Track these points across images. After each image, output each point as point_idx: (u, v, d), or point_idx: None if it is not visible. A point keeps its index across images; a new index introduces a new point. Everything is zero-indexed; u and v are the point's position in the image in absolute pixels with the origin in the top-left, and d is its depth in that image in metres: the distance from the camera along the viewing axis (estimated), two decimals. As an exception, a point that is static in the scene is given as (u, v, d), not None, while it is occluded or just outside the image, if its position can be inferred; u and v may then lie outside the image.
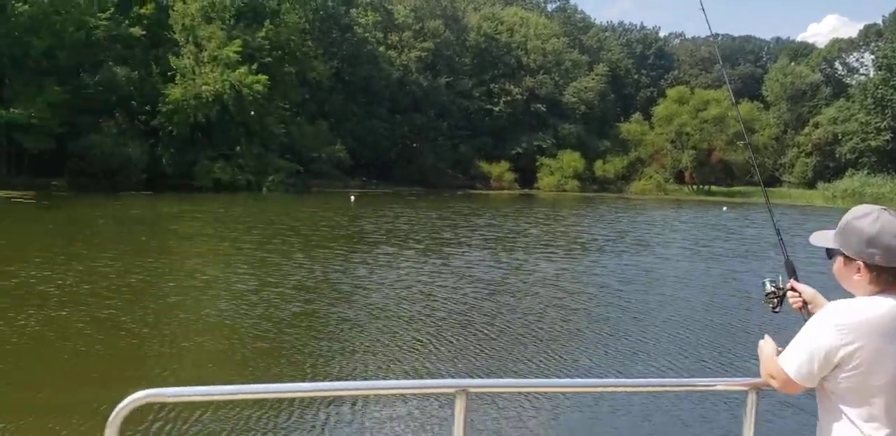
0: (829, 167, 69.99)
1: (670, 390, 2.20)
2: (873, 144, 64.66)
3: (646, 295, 13.96)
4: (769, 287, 2.55)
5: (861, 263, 2.07)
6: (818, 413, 2.19)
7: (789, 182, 73.27)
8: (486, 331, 10.30)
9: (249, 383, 2.11)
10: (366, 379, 7.56)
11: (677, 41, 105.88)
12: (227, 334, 9.60)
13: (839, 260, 2.15)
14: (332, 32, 60.66)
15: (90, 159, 40.26)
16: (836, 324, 2.03)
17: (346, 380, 7.45)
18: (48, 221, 23.81)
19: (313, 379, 7.57)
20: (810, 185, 66.84)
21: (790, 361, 2.14)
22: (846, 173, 61.71)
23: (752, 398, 2.42)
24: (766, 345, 2.33)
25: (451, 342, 9.56)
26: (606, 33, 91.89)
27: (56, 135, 39.74)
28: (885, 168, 62.31)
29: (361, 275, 14.71)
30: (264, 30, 47.58)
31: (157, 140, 44.82)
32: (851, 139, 66.82)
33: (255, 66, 45.12)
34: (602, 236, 25.64)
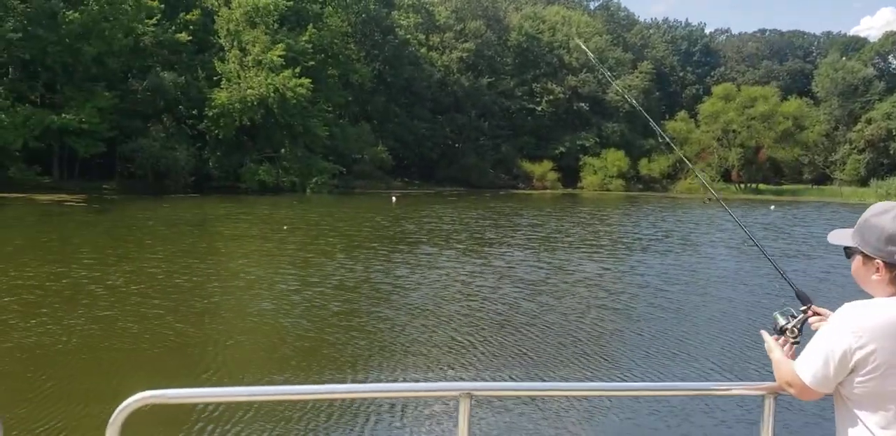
0: (882, 164, 68.06)
1: (685, 393, 2.12)
2: (930, 139, 62.68)
3: (690, 295, 13.74)
4: (781, 321, 2.34)
5: (880, 262, 1.99)
6: (835, 419, 2.12)
7: (841, 180, 71.41)
8: (524, 331, 10.24)
9: (251, 385, 2.09)
10: (393, 381, 7.55)
11: (723, 37, 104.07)
12: (268, 333, 9.74)
13: (857, 259, 2.07)
14: (374, 35, 61.13)
15: (139, 163, 41.31)
16: (852, 327, 1.95)
17: (359, 382, 7.47)
18: (99, 224, 24.43)
19: (353, 379, 7.62)
20: (863, 182, 65.08)
21: (806, 367, 2.06)
22: (901, 170, 59.91)
23: (769, 403, 2.37)
24: (774, 348, 2.25)
25: (491, 342, 9.53)
26: (651, 31, 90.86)
27: (106, 139, 40.83)
28: (943, 164, 60.38)
29: (402, 275, 14.76)
30: (307, 34, 48.16)
31: (204, 143, 45.73)
32: (906, 135, 64.85)
33: (298, 70, 45.70)
34: (647, 236, 25.32)
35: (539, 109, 66.51)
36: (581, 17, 73.84)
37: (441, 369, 8.18)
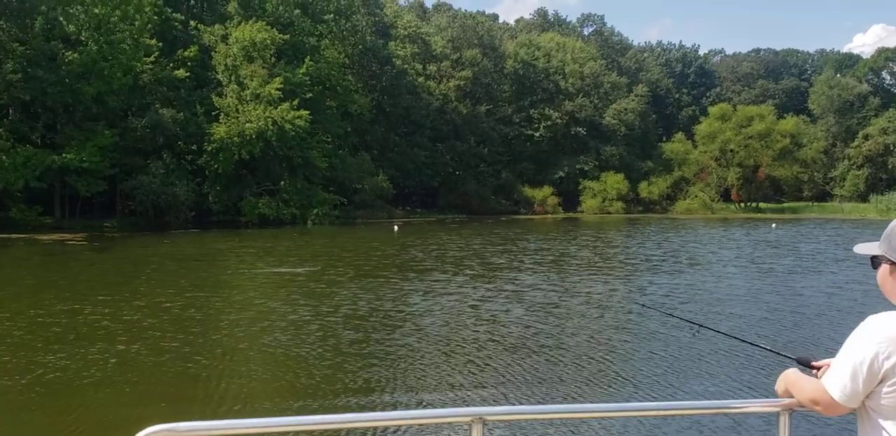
0: (881, 179, 68.26)
1: (701, 412, 2.05)
2: (927, 153, 62.96)
3: (700, 314, 13.67)
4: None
5: None
6: (859, 432, 2.11)
7: (841, 196, 71.56)
8: (539, 353, 10.18)
9: (264, 417, 2.08)
10: (407, 407, 7.46)
11: (718, 58, 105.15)
12: (284, 363, 9.67)
13: (884, 268, 2.08)
14: (372, 65, 61.73)
15: (139, 199, 41.38)
16: (877, 338, 1.96)
17: (366, 411, 7.40)
18: (103, 262, 24.41)
19: (367, 407, 7.55)
20: (863, 198, 65.17)
21: (834, 382, 2.05)
22: (900, 185, 60.05)
23: (784, 420, 2.34)
24: (791, 373, 2.28)
25: (506, 365, 9.46)
26: (645, 54, 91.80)
27: (107, 177, 40.97)
28: (942, 177, 60.55)
29: (415, 302, 14.71)
30: (305, 66, 48.60)
31: (204, 178, 45.85)
32: (904, 149, 65.15)
33: (296, 102, 46.01)
34: (655, 256, 25.29)
35: (537, 134, 66.90)
36: (575, 43, 74.64)
37: (455, 393, 8.11)
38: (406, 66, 62.46)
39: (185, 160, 46.12)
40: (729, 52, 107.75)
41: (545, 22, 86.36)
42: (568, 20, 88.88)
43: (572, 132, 67.20)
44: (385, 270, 20.58)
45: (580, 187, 64.73)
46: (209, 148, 44.25)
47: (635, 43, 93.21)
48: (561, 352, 10.32)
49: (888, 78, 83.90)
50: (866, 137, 71.35)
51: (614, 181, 63.29)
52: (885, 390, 1.96)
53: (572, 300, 15.24)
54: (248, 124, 44.31)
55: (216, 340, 11.14)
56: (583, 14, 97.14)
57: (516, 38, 74.11)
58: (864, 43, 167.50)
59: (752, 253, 27.02)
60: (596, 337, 11.43)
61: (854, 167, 72.27)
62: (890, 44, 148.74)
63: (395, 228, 41.03)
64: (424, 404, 7.72)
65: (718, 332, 3.22)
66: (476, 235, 36.32)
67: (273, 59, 48.15)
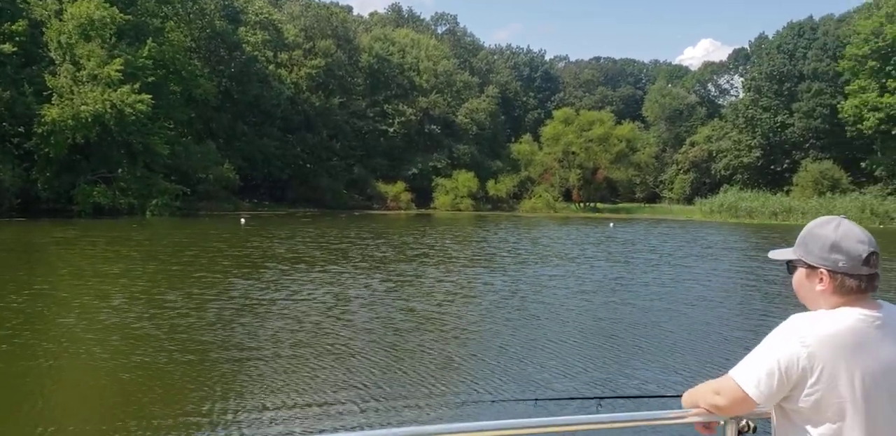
0: (705, 183, 74.16)
1: (636, 424, 1.81)
2: (745, 160, 69.04)
3: (546, 305, 14.20)
4: None
5: (824, 272, 1.99)
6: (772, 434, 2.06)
7: (669, 198, 77.18)
8: (410, 355, 10.20)
9: None
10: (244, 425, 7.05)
11: (562, 64, 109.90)
12: (106, 375, 9.09)
13: (800, 272, 2.07)
14: (220, 51, 59.47)
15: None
16: (800, 337, 1.92)
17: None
18: None
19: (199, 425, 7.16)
20: (689, 200, 70.49)
21: (747, 376, 1.97)
22: (721, 189, 65.49)
23: (731, 429, 2.19)
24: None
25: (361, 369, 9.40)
26: (495, 56, 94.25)
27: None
28: (756, 183, 66.63)
29: (261, 298, 14.30)
30: (147, 48, 45.99)
31: (32, 163, 42.44)
32: (725, 157, 71.11)
33: (137, 85, 43.48)
34: (508, 250, 26.01)
35: (391, 130, 67.10)
36: (429, 41, 75.44)
37: (303, 401, 7.98)
38: (256, 52, 60.66)
39: (11, 143, 42.49)
40: (573, 58, 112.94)
41: (399, 17, 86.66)
42: (422, 17, 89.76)
43: (426, 129, 67.97)
44: (222, 266, 19.86)
45: (433, 184, 65.60)
46: (39, 130, 40.95)
47: (486, 45, 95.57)
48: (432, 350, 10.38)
49: (713, 90, 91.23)
50: (693, 144, 77.34)
51: (465, 179, 64.64)
52: (804, 392, 1.92)
53: (457, 289, 15.39)
54: (83, 107, 41.38)
55: (31, 346, 10.32)
56: (437, 12, 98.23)
57: (371, 31, 73.85)
58: (693, 56, 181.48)
59: (609, 248, 28.50)
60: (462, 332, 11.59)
61: (681, 172, 78.15)
62: (716, 58, 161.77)
63: (242, 221, 39.77)
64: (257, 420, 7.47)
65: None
66: (330, 230, 35.87)
67: (113, 39, 45.19)
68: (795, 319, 1.98)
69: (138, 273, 18.13)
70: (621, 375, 9.25)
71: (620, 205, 73.69)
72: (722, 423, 2.18)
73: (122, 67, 43.15)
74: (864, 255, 1.96)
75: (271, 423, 7.16)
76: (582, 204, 69.28)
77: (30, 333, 11.03)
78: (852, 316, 1.94)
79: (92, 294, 14.88)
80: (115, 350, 10.05)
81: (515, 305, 14.61)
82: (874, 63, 56.15)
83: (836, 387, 1.90)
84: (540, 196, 66.18)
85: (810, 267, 2.03)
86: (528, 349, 10.56)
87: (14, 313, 12.39)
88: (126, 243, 27.22)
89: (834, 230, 2.00)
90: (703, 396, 2.12)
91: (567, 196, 69.39)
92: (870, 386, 1.91)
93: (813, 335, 1.91)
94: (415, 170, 65.88)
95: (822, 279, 2.00)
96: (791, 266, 2.11)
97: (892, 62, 55.45)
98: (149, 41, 46.46)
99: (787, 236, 37.50)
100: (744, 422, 2.18)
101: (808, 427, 1.95)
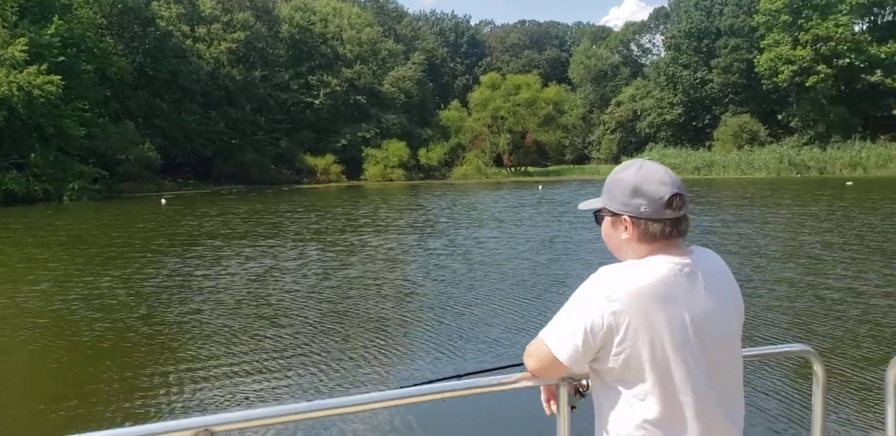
0: (631, 142, 75.65)
1: (460, 394, 1.68)
2: (668, 117, 70.49)
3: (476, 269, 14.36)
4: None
5: (627, 218, 1.86)
6: (593, 399, 1.95)
7: (598, 158, 78.46)
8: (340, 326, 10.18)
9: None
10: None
11: (488, 29, 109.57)
12: (40, 355, 8.87)
13: (607, 220, 1.92)
14: (133, 26, 57.34)
15: None
16: (606, 293, 1.77)
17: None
18: None
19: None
20: (616, 160, 71.66)
21: (556, 339, 1.85)
22: (646, 147, 66.86)
23: (563, 392, 2.08)
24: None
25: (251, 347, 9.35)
26: (420, 23, 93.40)
27: None
28: (680, 140, 68.26)
29: (197, 274, 14.04)
30: (54, 26, 43.94)
31: (-64, 151, 40.49)
32: (649, 115, 72.45)
33: (45, 66, 41.63)
34: (460, 217, 26.08)
35: (317, 102, 66.04)
36: (352, 9, 74.12)
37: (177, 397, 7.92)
38: (171, 27, 58.70)
39: None
40: (498, 22, 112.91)
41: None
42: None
43: (352, 100, 67.13)
44: (153, 245, 19.41)
45: (363, 155, 65.10)
46: (-62, 116, 38.96)
47: (410, 11, 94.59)
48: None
49: (635, 49, 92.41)
50: (618, 104, 78.54)
51: (396, 149, 64.29)
52: (613, 350, 1.77)
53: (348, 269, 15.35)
54: (-14, 90, 39.48)
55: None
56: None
57: (290, 1, 72.10)
58: (618, 16, 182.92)
59: (544, 210, 28.85)
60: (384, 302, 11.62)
61: (608, 132, 79.44)
62: (640, 18, 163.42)
63: (163, 201, 38.84)
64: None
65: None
66: (260, 205, 35.31)
67: (15, 17, 43.06)
68: (602, 273, 1.82)
69: (65, 257, 17.67)
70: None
71: (551, 168, 74.50)
72: (556, 385, 2.06)
73: (27, 47, 41.22)
74: (667, 197, 1.81)
75: (212, 390, 7.14)
76: (513, 169, 69.78)
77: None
78: (660, 265, 1.80)
79: (17, 279, 14.45)
80: (45, 331, 9.83)
81: (457, 267, 14.80)
82: (786, 17, 57.65)
83: (646, 343, 1.75)
84: (471, 162, 66.37)
85: (614, 215, 1.89)
86: (471, 307, 10.69)
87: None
88: (47, 229, 26.32)
89: (635, 173, 1.87)
90: (524, 358, 2.00)
91: (498, 161, 69.74)
92: (680, 339, 1.77)
93: (619, 289, 1.76)
94: (343, 142, 65.19)
95: (626, 227, 1.86)
96: (598, 216, 1.96)
97: (803, 15, 57.04)
98: (55, 19, 44.40)
99: (709, 190, 38.66)
100: (582, 382, 2.08)
101: (621, 388, 1.81)
